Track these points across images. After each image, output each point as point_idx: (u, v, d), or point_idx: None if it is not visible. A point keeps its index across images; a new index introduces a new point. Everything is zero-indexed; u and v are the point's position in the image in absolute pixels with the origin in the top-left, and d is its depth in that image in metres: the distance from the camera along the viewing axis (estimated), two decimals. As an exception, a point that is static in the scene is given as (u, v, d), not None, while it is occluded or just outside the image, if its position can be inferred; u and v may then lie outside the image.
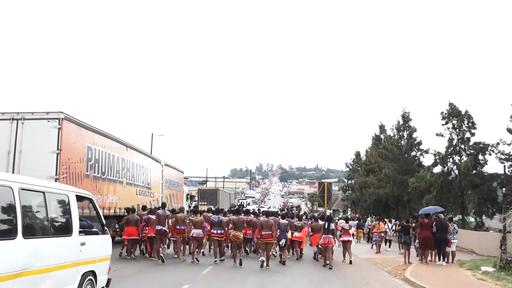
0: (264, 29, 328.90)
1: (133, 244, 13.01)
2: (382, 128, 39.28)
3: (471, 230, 24.60)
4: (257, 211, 19.66)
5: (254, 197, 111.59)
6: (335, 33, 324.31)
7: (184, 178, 29.94)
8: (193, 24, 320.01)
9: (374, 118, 75.34)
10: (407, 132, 32.74)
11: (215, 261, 12.64)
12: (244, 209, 17.10)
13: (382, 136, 39.30)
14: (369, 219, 25.86)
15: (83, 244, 6.07)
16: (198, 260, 12.51)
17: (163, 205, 14.36)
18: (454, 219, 28.07)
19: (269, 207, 53.13)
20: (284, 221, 13.88)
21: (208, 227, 13.11)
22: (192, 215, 13.41)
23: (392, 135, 35.61)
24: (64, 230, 5.74)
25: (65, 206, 5.83)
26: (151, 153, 28.20)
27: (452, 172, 26.36)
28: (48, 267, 5.17)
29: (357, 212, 41.36)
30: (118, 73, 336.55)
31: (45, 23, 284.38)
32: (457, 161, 26.03)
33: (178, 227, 12.86)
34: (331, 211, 57.41)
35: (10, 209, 4.61)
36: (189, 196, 32.72)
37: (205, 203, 35.77)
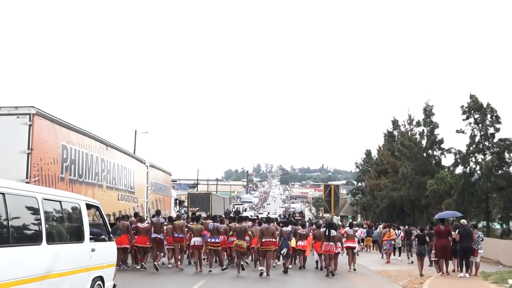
0: (263, 22, 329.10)
1: (124, 253, 13.64)
2: (395, 123, 39.28)
3: (497, 238, 24.68)
4: (255, 218, 19.97)
5: (251, 202, 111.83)
6: (341, 22, 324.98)
7: (172, 181, 29.91)
8: (185, 17, 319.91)
9: (386, 112, 75.72)
10: (428, 128, 32.54)
11: (210, 270, 13.14)
12: (243, 215, 17.47)
13: (395, 133, 39.35)
14: (380, 226, 25.97)
15: (93, 250, 7.25)
16: (201, 270, 13.17)
17: (158, 212, 14.99)
18: (478, 226, 28.03)
19: (268, 213, 53.11)
20: (287, 229, 14.54)
21: (208, 235, 13.81)
22: (192, 223, 14.27)
23: (405, 131, 35.59)
24: (78, 236, 6.94)
25: (77, 214, 7.05)
26: (134, 152, 28.15)
27: (475, 173, 26.37)
28: (66, 271, 6.34)
29: (368, 218, 41.46)
30: (97, 65, 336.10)
31: (21, 14, 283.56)
32: (480, 160, 26.04)
33: (176, 235, 13.71)
34: (339, 217, 57.53)
35: (36, 217, 5.77)
36: (177, 201, 32.65)
37: (196, 209, 35.69)
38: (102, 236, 7.84)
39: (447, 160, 34.25)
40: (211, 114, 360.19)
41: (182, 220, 14.97)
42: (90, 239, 7.21)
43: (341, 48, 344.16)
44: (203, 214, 23.74)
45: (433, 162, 32.64)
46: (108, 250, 8.01)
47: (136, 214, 15.35)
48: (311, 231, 16.74)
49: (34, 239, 5.66)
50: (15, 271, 5.24)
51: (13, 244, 5.25)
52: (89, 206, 7.62)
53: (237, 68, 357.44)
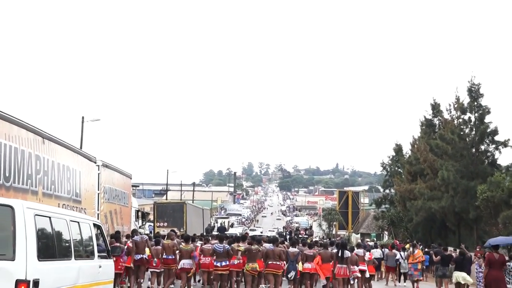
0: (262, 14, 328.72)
1: None
2: (435, 108, 39.37)
3: None
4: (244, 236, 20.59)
5: (240, 215, 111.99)
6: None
7: (134, 186, 29.88)
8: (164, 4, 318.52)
9: (423, 96, 75.82)
10: (476, 114, 32.45)
11: None
12: (228, 233, 18.84)
13: (436, 121, 39.48)
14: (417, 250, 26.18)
15: (100, 266, 10.22)
16: None
17: (135, 232, 17.23)
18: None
19: (262, 232, 52.86)
20: (295, 250, 16.34)
21: (198, 257, 16.27)
22: (183, 243, 16.27)
23: (450, 118, 35.53)
24: (90, 253, 9.97)
25: (89, 233, 10.07)
26: (81, 147, 28.04)
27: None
28: (85, 284, 9.25)
29: (398, 236, 41.66)
30: (41, 43, 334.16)
31: None
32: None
33: (165, 257, 15.84)
34: (358, 235, 57.72)
35: (66, 236, 8.84)
36: (140, 213, 32.56)
37: (165, 224, 35.62)
38: (105, 254, 10.77)
39: (504, 158, 34.22)
40: (186, 101, 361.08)
41: (172, 240, 16.64)
42: (97, 256, 10.14)
43: (363, 24, 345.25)
44: (178, 232, 23.82)
45: (486, 161, 32.72)
46: (109, 267, 10.98)
47: (117, 233, 17.35)
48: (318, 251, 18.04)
49: (66, 255, 8.67)
50: (58, 281, 8.12)
51: (57, 259, 8.20)
52: (94, 226, 10.60)
53: (223, 50, 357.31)
